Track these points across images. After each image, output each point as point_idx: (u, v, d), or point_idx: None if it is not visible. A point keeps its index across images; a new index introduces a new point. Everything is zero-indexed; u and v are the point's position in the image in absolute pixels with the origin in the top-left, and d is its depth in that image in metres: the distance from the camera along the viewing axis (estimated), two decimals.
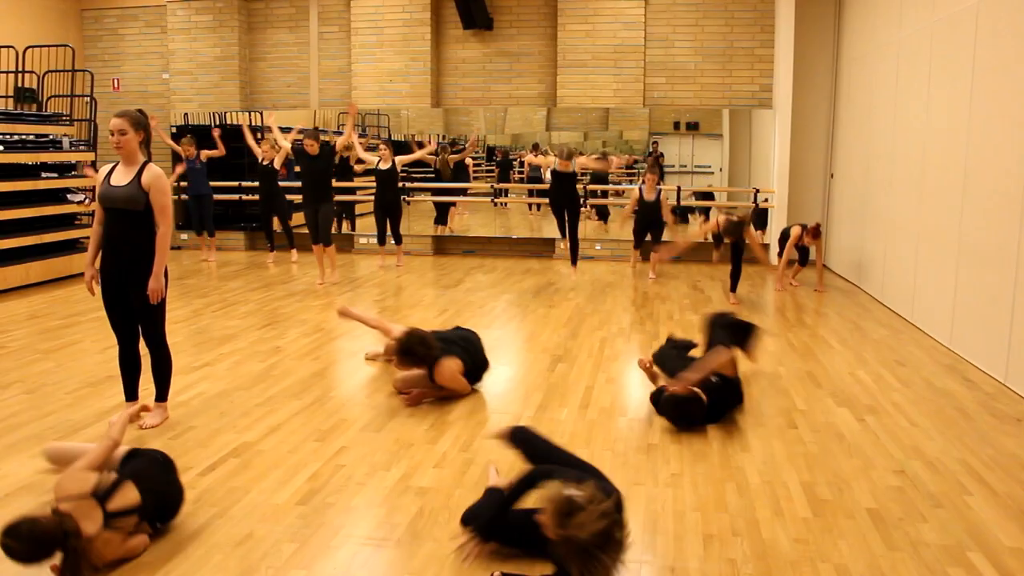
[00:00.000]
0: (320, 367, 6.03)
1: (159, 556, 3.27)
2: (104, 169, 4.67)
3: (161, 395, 4.86)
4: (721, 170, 11.95)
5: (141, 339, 4.74)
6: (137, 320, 4.67)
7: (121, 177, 4.53)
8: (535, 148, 12.35)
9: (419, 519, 3.56)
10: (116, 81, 13.16)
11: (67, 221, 10.22)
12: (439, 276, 10.04)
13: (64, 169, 10.26)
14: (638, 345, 6.69)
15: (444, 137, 12.66)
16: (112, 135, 4.52)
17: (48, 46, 11.66)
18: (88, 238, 10.21)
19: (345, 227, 12.48)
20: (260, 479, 4.00)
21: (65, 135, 10.33)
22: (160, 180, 4.53)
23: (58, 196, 10.04)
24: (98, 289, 4.68)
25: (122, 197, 4.47)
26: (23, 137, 9.73)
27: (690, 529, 3.50)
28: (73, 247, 10.01)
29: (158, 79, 13.05)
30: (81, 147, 10.52)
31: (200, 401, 5.21)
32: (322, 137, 9.05)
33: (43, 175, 9.87)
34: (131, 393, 4.85)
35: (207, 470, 4.10)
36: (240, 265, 10.66)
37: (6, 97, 11.16)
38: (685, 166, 12.06)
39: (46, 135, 10.10)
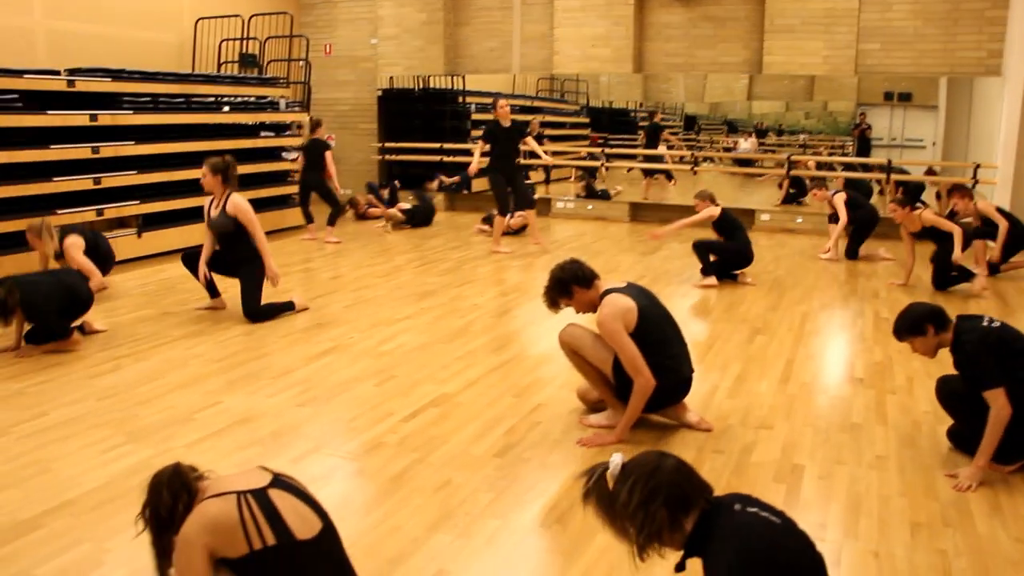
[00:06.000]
0: (519, 325, 6.04)
1: (362, 497, 3.35)
2: None
3: None
4: (934, 144, 11.00)
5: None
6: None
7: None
8: (733, 129, 11.85)
9: None
10: (328, 46, 13.73)
11: (281, 178, 10.77)
12: (635, 243, 9.86)
13: (280, 129, 10.81)
14: (840, 322, 6.28)
15: (641, 105, 12.36)
16: None
17: (270, 14, 12.30)
18: (297, 194, 10.81)
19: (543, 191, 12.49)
20: (459, 429, 4.02)
21: (282, 97, 10.89)
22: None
23: (274, 154, 10.61)
24: None
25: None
26: (246, 99, 10.34)
27: (896, 515, 3.22)
28: (285, 202, 10.56)
29: (366, 44, 13.49)
30: (295, 108, 11.06)
31: (402, 352, 5.33)
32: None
33: (262, 134, 10.45)
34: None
35: (408, 417, 4.18)
36: (440, 225, 10.91)
37: (232, 63, 11.87)
38: (895, 139, 11.21)
39: (265, 97, 10.69)
